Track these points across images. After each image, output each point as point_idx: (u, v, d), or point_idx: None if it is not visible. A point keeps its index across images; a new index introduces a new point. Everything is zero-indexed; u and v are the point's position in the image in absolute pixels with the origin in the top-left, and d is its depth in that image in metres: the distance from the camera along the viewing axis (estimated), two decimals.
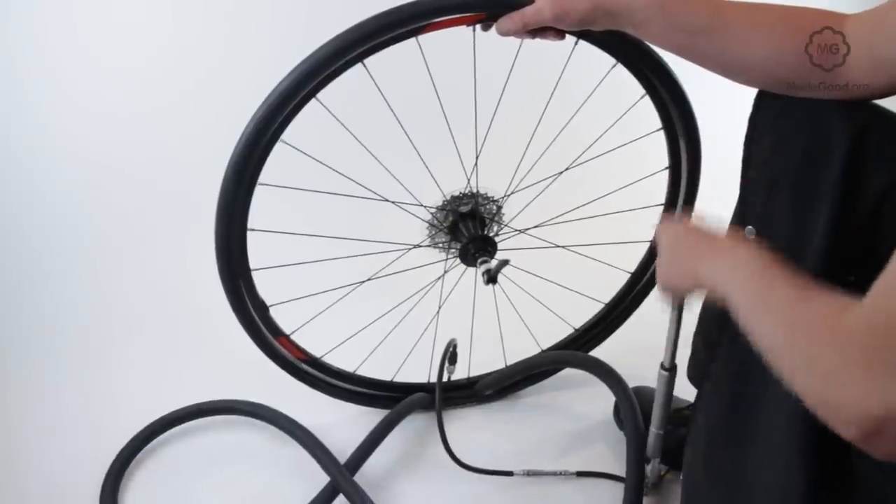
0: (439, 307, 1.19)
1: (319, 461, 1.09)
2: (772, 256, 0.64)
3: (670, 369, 0.95)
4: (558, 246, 1.18)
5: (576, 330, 1.29)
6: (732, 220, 0.85)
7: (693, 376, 1.02)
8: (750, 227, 0.79)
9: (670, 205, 1.17)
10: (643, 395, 1.12)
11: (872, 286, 0.53)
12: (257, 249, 1.02)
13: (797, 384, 0.56)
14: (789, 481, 0.72)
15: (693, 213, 0.83)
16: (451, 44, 0.97)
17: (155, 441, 1.18)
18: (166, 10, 1.89)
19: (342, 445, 1.12)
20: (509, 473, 1.10)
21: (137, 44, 1.87)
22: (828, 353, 0.54)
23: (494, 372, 1.22)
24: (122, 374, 1.37)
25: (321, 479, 1.07)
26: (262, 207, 1.00)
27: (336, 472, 1.06)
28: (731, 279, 0.67)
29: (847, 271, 0.68)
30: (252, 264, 1.03)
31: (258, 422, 1.22)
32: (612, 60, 1.01)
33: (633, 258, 1.25)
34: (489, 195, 1.11)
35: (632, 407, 1.05)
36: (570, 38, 0.94)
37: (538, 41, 0.92)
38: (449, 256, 1.14)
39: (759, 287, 0.63)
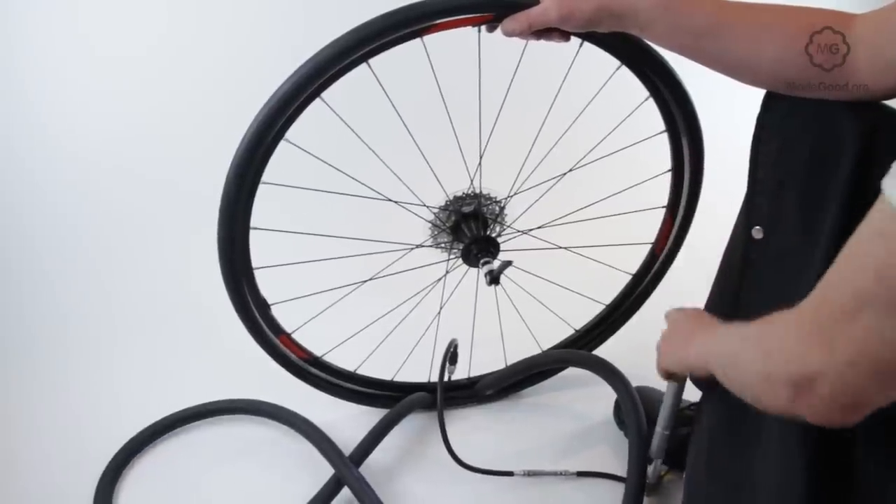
0: (441, 307, 1.19)
1: (324, 453, 1.10)
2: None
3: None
4: (560, 247, 1.18)
5: (577, 331, 1.29)
6: (739, 221, 0.85)
7: (695, 378, 1.02)
8: (758, 227, 0.80)
9: (673, 207, 1.17)
10: (645, 394, 1.12)
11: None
12: (260, 248, 1.02)
13: (744, 377, 0.63)
14: (791, 481, 0.72)
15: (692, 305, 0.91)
16: (456, 45, 0.97)
17: (153, 442, 1.18)
18: (168, 7, 1.89)
19: (343, 444, 1.11)
20: (510, 473, 1.10)
21: (140, 41, 1.87)
22: (770, 329, 0.60)
23: (495, 372, 1.22)
24: (123, 374, 1.37)
25: (322, 477, 1.07)
26: (265, 206, 1.00)
27: (340, 463, 1.06)
28: (712, 345, 0.72)
29: None
30: (254, 263, 1.03)
31: (256, 421, 1.22)
32: (617, 62, 1.01)
33: (635, 260, 1.25)
34: (492, 196, 1.11)
35: (634, 406, 1.05)
36: (574, 40, 0.94)
37: (543, 42, 0.92)
38: (451, 257, 1.14)
39: (731, 332, 0.69)
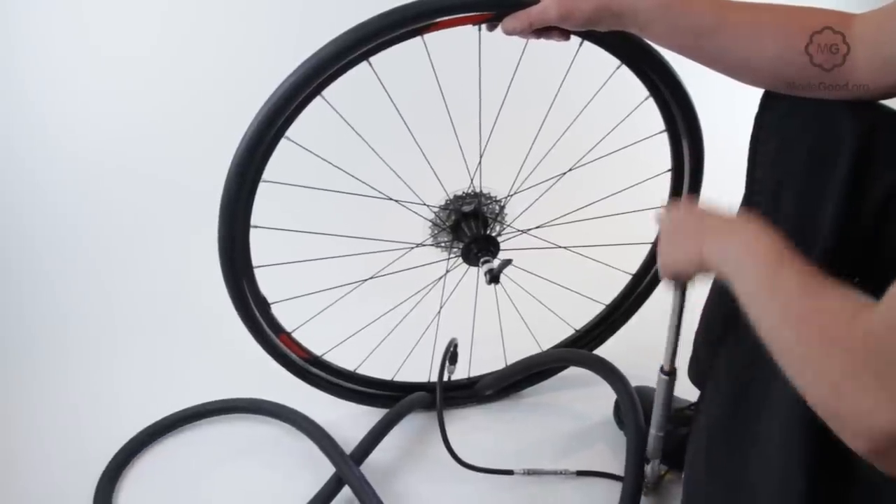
0: (441, 307, 1.20)
1: (325, 451, 1.10)
2: (782, 240, 0.63)
3: (670, 373, 0.95)
4: (560, 247, 1.19)
5: (577, 331, 1.29)
6: None
7: (694, 377, 1.02)
8: None
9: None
10: (644, 394, 1.12)
11: (888, 290, 0.51)
12: (260, 246, 1.02)
13: (804, 387, 0.55)
14: (790, 481, 0.72)
15: (697, 199, 0.82)
16: (456, 43, 0.98)
17: (153, 442, 1.18)
18: (169, 6, 1.89)
19: (343, 444, 1.11)
20: (510, 472, 1.10)
21: (141, 40, 1.87)
22: (839, 358, 0.52)
23: (495, 371, 1.22)
24: (123, 373, 1.37)
25: (322, 476, 1.07)
26: (266, 204, 1.00)
27: (341, 461, 1.07)
28: (738, 262, 0.65)
29: (852, 272, 0.68)
30: (254, 261, 1.03)
31: (256, 420, 1.22)
32: (617, 61, 1.02)
33: (634, 259, 1.25)
34: (492, 195, 1.11)
35: (633, 405, 1.05)
36: (574, 39, 0.94)
37: (543, 41, 0.92)
38: (451, 256, 1.14)
39: (768, 273, 0.61)
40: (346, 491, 1.05)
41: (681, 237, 0.77)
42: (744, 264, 0.64)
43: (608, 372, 1.09)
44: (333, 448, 1.10)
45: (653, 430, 0.99)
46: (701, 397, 0.94)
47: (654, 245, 1.17)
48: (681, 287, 0.88)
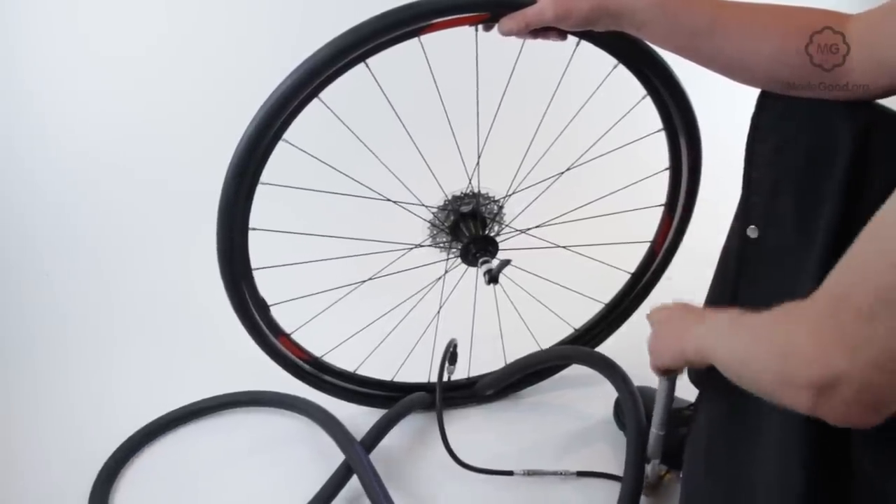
0: (440, 307, 1.19)
1: (333, 436, 1.11)
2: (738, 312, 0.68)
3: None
4: (559, 246, 1.18)
5: (576, 330, 1.29)
6: (735, 220, 0.85)
7: (694, 377, 1.02)
8: (753, 226, 0.80)
9: (671, 205, 1.17)
10: (644, 394, 1.12)
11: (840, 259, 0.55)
12: (259, 248, 1.02)
13: (759, 376, 0.61)
14: (789, 481, 0.72)
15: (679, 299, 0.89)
16: (453, 44, 0.97)
17: (154, 441, 1.19)
18: (168, 7, 1.89)
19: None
20: (509, 473, 1.10)
21: (139, 41, 1.87)
22: (784, 330, 0.58)
23: (494, 371, 1.22)
24: (122, 372, 1.37)
25: (323, 475, 1.07)
26: (264, 207, 1.00)
27: (347, 444, 1.08)
28: (712, 336, 0.71)
29: None
30: (253, 263, 1.03)
31: (253, 418, 1.23)
32: (614, 61, 1.01)
33: (633, 258, 1.25)
34: (490, 195, 1.11)
35: (634, 402, 1.05)
36: (571, 39, 0.94)
37: (540, 41, 0.92)
38: (450, 256, 1.14)
39: (734, 326, 0.67)
40: (349, 488, 1.05)
41: (665, 339, 0.83)
42: (715, 337, 0.70)
43: (609, 370, 1.09)
44: (343, 435, 1.10)
45: (654, 429, 0.99)
46: (700, 397, 0.94)
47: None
48: (670, 379, 0.94)
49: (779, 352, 0.58)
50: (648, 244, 1.23)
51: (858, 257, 0.54)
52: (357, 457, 1.05)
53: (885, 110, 0.75)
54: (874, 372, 0.51)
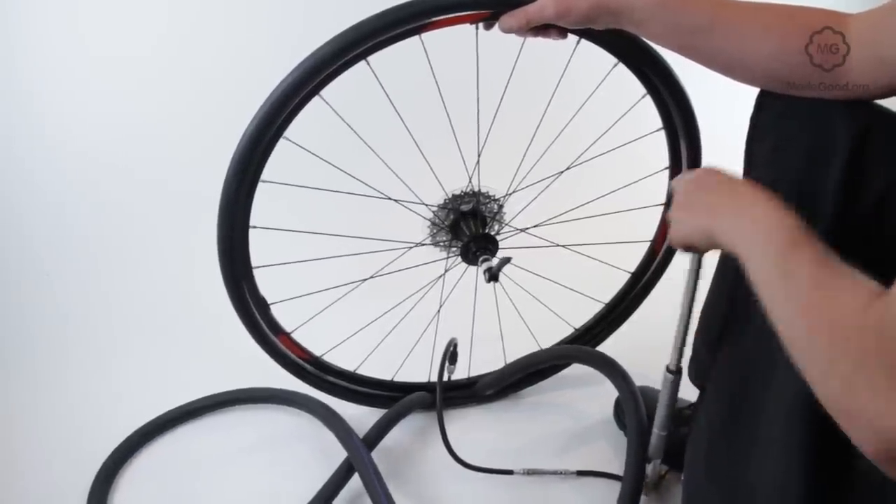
0: (440, 306, 1.19)
1: (337, 435, 1.11)
2: (795, 220, 0.61)
3: (676, 372, 0.95)
4: (559, 245, 1.18)
5: (576, 329, 1.29)
6: None
7: (694, 377, 1.02)
8: None
9: (670, 204, 1.17)
10: (645, 394, 1.12)
11: None
12: (259, 247, 1.02)
13: (814, 381, 0.54)
14: (789, 481, 0.72)
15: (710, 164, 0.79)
16: (453, 42, 0.98)
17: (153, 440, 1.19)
18: (168, 6, 1.89)
19: (340, 445, 1.11)
20: (509, 472, 1.10)
21: (139, 40, 1.87)
22: (850, 352, 0.51)
23: (494, 371, 1.22)
24: (122, 372, 1.37)
25: (323, 475, 1.07)
26: (265, 205, 1.00)
27: (347, 438, 1.08)
28: (750, 243, 0.63)
29: None
30: (254, 262, 1.03)
31: (253, 417, 1.22)
32: (614, 60, 1.02)
33: (633, 258, 1.25)
34: (490, 194, 1.11)
35: (635, 402, 1.04)
36: (571, 37, 0.94)
37: (540, 39, 0.92)
38: (450, 255, 1.14)
39: (779, 258, 0.59)
40: (350, 487, 1.05)
41: (693, 208, 0.74)
42: (755, 246, 0.62)
43: (610, 369, 1.09)
44: (345, 431, 1.10)
45: (656, 429, 0.99)
46: (700, 397, 0.94)
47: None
48: (695, 259, 0.86)
49: (840, 376, 0.51)
50: (648, 244, 1.23)
51: None
52: (358, 453, 1.05)
53: (884, 111, 0.75)
54: None
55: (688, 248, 0.80)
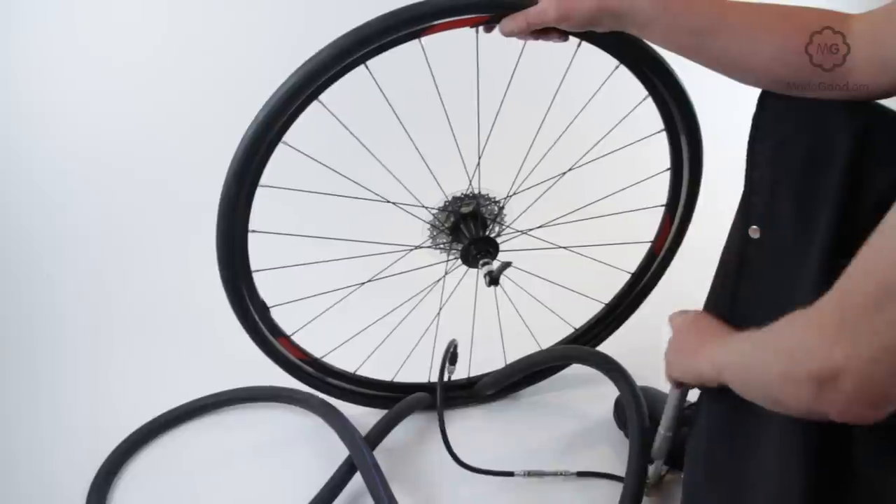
0: (440, 308, 1.19)
1: (340, 434, 1.11)
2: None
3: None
4: (560, 247, 1.18)
5: (576, 330, 1.29)
6: (736, 220, 0.85)
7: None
8: (754, 226, 0.80)
9: (672, 206, 1.17)
10: (645, 394, 1.12)
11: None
12: (259, 250, 1.02)
13: (764, 378, 0.61)
14: (789, 481, 0.72)
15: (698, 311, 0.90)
16: (453, 45, 0.97)
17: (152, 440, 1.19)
18: (168, 9, 1.89)
19: (341, 446, 1.11)
20: (510, 474, 1.10)
21: (139, 42, 1.87)
22: (791, 329, 0.59)
23: (494, 371, 1.22)
24: (122, 373, 1.38)
25: (323, 475, 1.07)
26: (264, 209, 1.00)
27: (351, 439, 1.08)
28: (727, 354, 0.72)
29: None
30: (253, 265, 1.03)
31: (252, 416, 1.23)
32: (615, 62, 1.01)
33: (633, 259, 1.25)
34: (491, 196, 1.11)
35: (636, 402, 1.04)
36: (573, 40, 0.94)
37: (541, 42, 0.92)
38: (450, 258, 1.14)
39: (748, 339, 0.67)
40: (351, 487, 1.05)
41: (683, 349, 0.85)
42: (728, 353, 0.72)
43: (611, 368, 1.09)
44: (346, 429, 1.11)
45: (662, 430, 0.99)
46: (700, 398, 0.94)
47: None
48: (682, 390, 0.94)
49: (784, 349, 0.58)
50: (649, 244, 1.23)
51: (865, 256, 0.54)
52: (360, 452, 1.05)
53: (885, 110, 0.75)
54: (875, 366, 0.51)
55: (679, 385, 0.91)
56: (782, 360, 0.58)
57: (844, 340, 0.52)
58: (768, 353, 0.62)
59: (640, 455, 1.00)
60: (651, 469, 1.03)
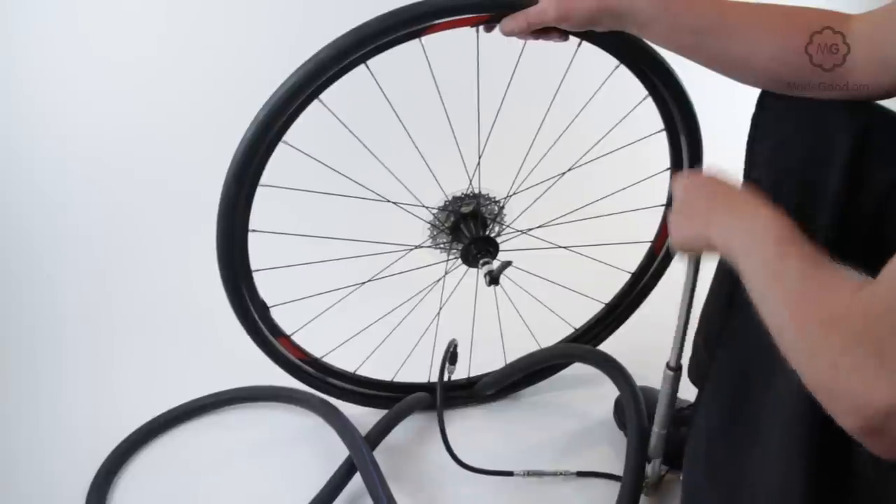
0: (440, 308, 1.19)
1: (340, 433, 1.11)
2: (789, 224, 0.63)
3: (676, 369, 0.94)
4: (560, 246, 1.18)
5: (576, 329, 1.29)
6: None
7: (694, 376, 1.02)
8: None
9: (671, 205, 1.17)
10: (645, 394, 1.12)
11: (885, 266, 0.52)
12: (259, 250, 1.02)
13: (802, 369, 0.55)
14: (789, 481, 0.72)
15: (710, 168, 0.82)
16: (454, 44, 0.97)
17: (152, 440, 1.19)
18: (168, 8, 1.89)
19: (341, 446, 1.11)
20: (509, 474, 1.10)
21: (139, 42, 1.87)
22: (836, 336, 0.52)
23: (495, 371, 1.22)
24: (122, 373, 1.37)
25: (323, 476, 1.07)
26: (264, 208, 1.00)
27: (351, 439, 1.08)
28: (745, 244, 0.65)
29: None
30: (253, 265, 1.03)
31: (252, 416, 1.23)
32: (615, 62, 1.01)
33: (634, 258, 1.25)
34: (491, 196, 1.11)
35: (635, 401, 1.04)
36: (573, 39, 0.94)
37: (541, 42, 0.92)
38: (450, 257, 1.14)
39: (772, 257, 0.61)
40: (351, 488, 1.05)
41: (690, 212, 0.76)
42: (748, 246, 0.64)
43: (611, 367, 1.09)
44: (346, 428, 1.11)
45: (656, 428, 0.99)
46: (699, 397, 0.94)
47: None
48: (693, 260, 0.87)
49: (827, 358, 0.53)
50: (649, 244, 1.23)
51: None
52: (359, 451, 1.05)
53: (885, 111, 0.75)
54: None
55: (686, 251, 0.82)
56: (822, 363, 0.53)
57: (886, 381, 0.48)
58: (793, 319, 0.56)
59: (638, 454, 1.01)
60: (649, 468, 1.03)
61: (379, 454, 1.11)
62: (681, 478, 0.95)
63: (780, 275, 0.59)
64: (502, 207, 1.12)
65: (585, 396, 1.27)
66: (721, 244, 0.69)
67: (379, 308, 1.22)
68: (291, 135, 0.95)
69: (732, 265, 0.74)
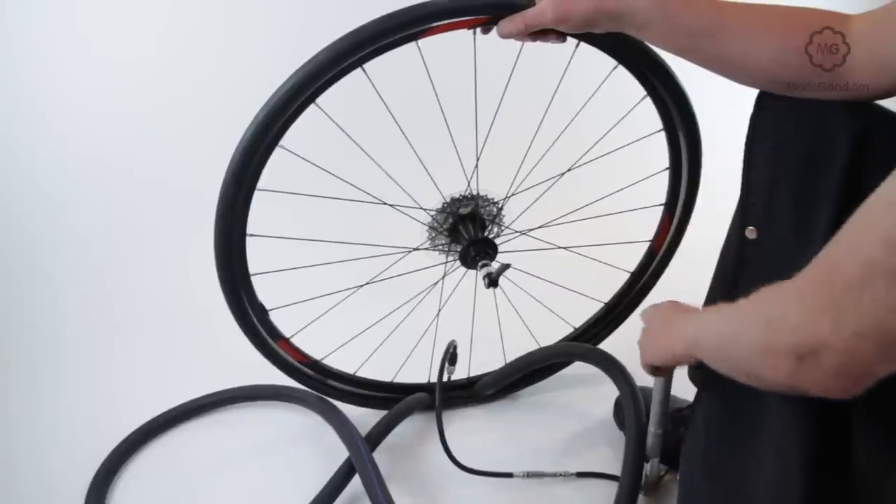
0: (439, 309, 1.19)
1: (340, 434, 1.11)
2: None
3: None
4: (559, 247, 1.18)
5: (575, 329, 1.29)
6: (734, 221, 0.85)
7: (693, 376, 1.02)
8: (751, 227, 0.80)
9: (670, 205, 1.17)
10: (645, 395, 1.12)
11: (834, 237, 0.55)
12: (257, 253, 1.02)
13: (742, 351, 0.60)
14: (788, 481, 0.72)
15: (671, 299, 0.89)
16: (451, 46, 0.97)
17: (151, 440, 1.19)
18: (168, 10, 1.89)
19: (341, 446, 1.11)
20: (509, 475, 1.10)
21: (139, 43, 1.87)
22: (771, 300, 0.58)
23: (494, 371, 1.22)
24: (121, 373, 1.38)
25: (323, 476, 1.07)
26: (262, 211, 1.00)
27: (350, 439, 1.08)
28: (699, 326, 0.71)
29: None
30: (252, 268, 1.03)
31: (252, 416, 1.23)
32: (613, 62, 1.01)
33: (633, 258, 1.25)
34: (489, 197, 1.11)
35: (634, 399, 1.04)
36: (571, 41, 0.94)
37: (539, 44, 0.92)
38: (449, 259, 1.14)
39: (721, 311, 0.67)
40: (350, 489, 1.05)
41: (655, 333, 0.84)
42: (703, 327, 0.70)
43: (610, 366, 1.09)
44: (346, 427, 1.11)
45: (651, 428, 0.99)
46: (697, 397, 0.94)
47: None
48: (665, 380, 0.94)
49: (763, 320, 0.58)
50: (648, 244, 1.23)
51: (849, 232, 0.54)
52: (358, 451, 1.05)
53: (884, 111, 0.74)
54: (857, 341, 0.51)
55: (655, 372, 0.89)
56: (761, 330, 0.58)
57: (828, 315, 0.52)
58: (746, 324, 0.61)
59: (637, 453, 1.00)
60: (648, 468, 1.03)
61: (379, 454, 1.12)
62: (677, 478, 0.95)
63: (733, 315, 0.64)
64: (501, 208, 1.12)
65: (585, 396, 1.27)
66: (683, 347, 0.74)
67: (378, 310, 1.22)
68: (290, 139, 0.95)
69: (736, 262, 0.82)
